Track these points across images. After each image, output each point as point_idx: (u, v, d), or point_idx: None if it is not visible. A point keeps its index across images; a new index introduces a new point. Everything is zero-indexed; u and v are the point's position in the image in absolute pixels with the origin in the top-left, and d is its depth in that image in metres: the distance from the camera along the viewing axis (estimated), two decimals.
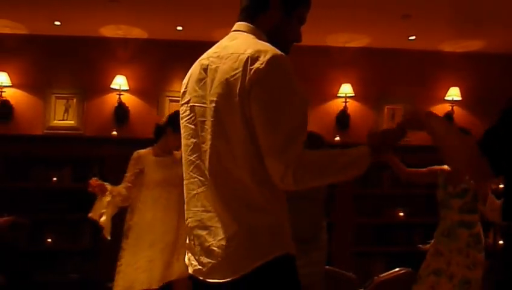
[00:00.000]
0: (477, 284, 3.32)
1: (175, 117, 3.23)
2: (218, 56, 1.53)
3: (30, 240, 5.14)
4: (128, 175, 3.40)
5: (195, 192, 1.58)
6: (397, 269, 3.97)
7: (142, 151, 3.46)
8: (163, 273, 3.27)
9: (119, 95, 5.45)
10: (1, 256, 4.21)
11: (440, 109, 5.66)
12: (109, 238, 3.32)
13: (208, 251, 1.53)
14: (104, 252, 4.53)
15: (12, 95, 5.47)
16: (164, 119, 3.54)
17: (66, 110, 5.47)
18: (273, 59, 1.41)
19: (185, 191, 1.64)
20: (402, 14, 4.83)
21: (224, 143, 1.48)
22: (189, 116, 1.60)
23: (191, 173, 1.60)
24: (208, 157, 1.52)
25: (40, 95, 5.50)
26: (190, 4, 4.75)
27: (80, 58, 5.56)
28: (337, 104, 5.70)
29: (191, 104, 1.59)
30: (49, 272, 4.99)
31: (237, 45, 1.50)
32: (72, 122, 5.46)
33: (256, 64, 1.40)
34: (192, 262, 1.60)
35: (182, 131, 1.64)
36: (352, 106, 5.70)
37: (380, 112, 5.72)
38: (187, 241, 1.65)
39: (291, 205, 3.05)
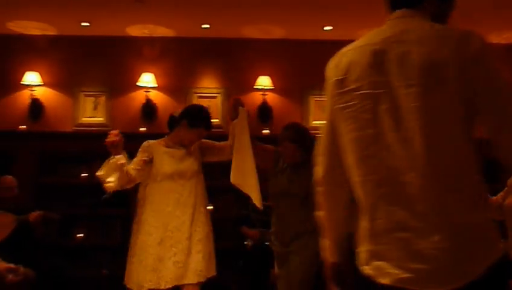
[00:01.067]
0: None
1: (193, 111, 3.19)
2: (399, 40, 1.45)
3: (61, 235, 5.22)
4: (136, 160, 3.10)
5: (383, 190, 1.43)
6: None
7: (152, 141, 3.21)
8: (174, 274, 2.98)
9: (147, 92, 5.53)
10: (32, 251, 4.24)
11: None
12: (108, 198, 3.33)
13: (418, 255, 1.35)
14: None
15: (43, 93, 5.61)
16: (178, 110, 3.34)
17: (95, 108, 5.59)
18: (482, 38, 1.40)
19: (362, 190, 1.49)
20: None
21: (435, 129, 1.37)
22: (360, 105, 1.47)
23: (368, 169, 1.46)
24: (409, 146, 1.38)
25: (70, 93, 5.64)
26: (215, 2, 4.79)
27: (108, 57, 5.67)
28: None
29: (364, 91, 1.46)
30: (79, 267, 5.04)
31: (428, 28, 1.46)
32: (101, 119, 5.57)
33: (472, 44, 1.38)
34: (390, 271, 1.39)
35: (347, 123, 1.49)
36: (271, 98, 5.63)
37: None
38: (375, 246, 1.45)
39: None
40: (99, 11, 5.07)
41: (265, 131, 5.44)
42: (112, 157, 2.96)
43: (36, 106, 5.54)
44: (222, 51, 5.70)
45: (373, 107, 1.44)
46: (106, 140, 2.95)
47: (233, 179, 3.03)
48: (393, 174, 1.41)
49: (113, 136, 2.96)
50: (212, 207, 3.92)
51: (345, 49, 1.58)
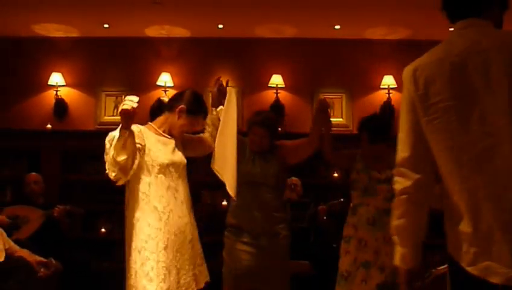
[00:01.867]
0: None
1: (193, 97, 2.73)
2: (477, 50, 1.53)
3: (85, 229, 5.42)
4: None
5: (487, 193, 1.49)
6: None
7: (141, 126, 2.66)
8: (188, 282, 2.61)
9: (165, 91, 5.69)
10: (58, 244, 4.36)
11: None
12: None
13: None
14: None
15: (67, 93, 5.84)
16: (165, 97, 2.98)
17: (116, 107, 5.74)
18: None
19: (462, 195, 1.54)
20: None
21: None
22: (447, 116, 1.54)
23: (469, 174, 1.52)
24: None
25: (92, 93, 5.84)
26: (231, 2, 4.90)
27: (127, 58, 5.86)
28: (381, 96, 5.73)
29: (449, 103, 1.54)
30: (103, 261, 5.18)
31: (502, 35, 1.55)
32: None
33: None
34: (500, 270, 1.46)
35: (436, 134, 1.57)
36: (396, 97, 5.64)
37: None
38: (481, 247, 1.50)
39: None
40: (119, 13, 5.23)
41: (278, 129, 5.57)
42: (123, 133, 2.40)
43: (60, 105, 5.77)
44: (236, 50, 5.82)
45: (461, 117, 1.51)
46: (123, 107, 2.37)
47: (215, 164, 2.77)
48: (497, 177, 1.47)
49: (134, 102, 2.37)
50: None
51: (419, 63, 1.64)
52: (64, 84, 5.79)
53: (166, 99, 2.94)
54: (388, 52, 5.77)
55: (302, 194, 4.99)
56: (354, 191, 3.28)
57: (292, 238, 3.32)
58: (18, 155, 5.64)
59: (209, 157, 2.83)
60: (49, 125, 5.68)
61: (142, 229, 2.52)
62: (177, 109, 2.69)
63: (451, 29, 1.67)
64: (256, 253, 3.05)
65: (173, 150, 2.70)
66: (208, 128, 2.91)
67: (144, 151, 2.56)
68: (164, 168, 2.60)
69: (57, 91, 5.77)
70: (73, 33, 5.78)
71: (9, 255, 3.65)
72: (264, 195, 3.07)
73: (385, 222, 3.07)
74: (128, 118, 2.39)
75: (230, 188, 2.74)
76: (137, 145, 2.50)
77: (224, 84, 3.00)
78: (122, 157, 2.40)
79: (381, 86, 5.69)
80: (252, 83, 5.76)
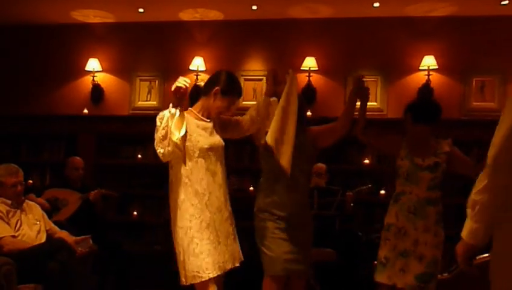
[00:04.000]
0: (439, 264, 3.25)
1: (226, 77, 2.89)
2: None
3: (118, 212, 5.73)
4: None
5: None
6: (485, 255, 3.66)
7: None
8: (230, 255, 2.88)
9: (197, 75, 5.89)
10: (93, 226, 4.57)
11: None
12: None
13: None
14: None
15: (103, 79, 6.15)
16: (201, 82, 3.10)
17: (149, 92, 6.04)
18: None
19: None
20: None
21: None
22: None
23: None
24: None
25: (126, 78, 6.13)
26: None
27: (161, 43, 6.09)
28: (419, 78, 5.70)
29: None
30: (135, 243, 5.51)
31: None
32: (154, 102, 6.02)
33: None
34: None
35: None
36: (436, 79, 5.65)
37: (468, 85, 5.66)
38: None
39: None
40: None
41: (308, 113, 5.67)
42: (178, 111, 2.67)
43: (97, 91, 6.08)
44: (269, 32, 5.91)
45: None
46: (177, 84, 2.67)
47: (271, 140, 2.85)
48: None
49: (187, 82, 2.71)
50: None
51: None
52: (101, 69, 6.09)
53: (202, 84, 3.03)
54: (430, 31, 5.70)
55: (330, 180, 5.09)
56: (397, 179, 3.35)
57: (318, 226, 3.45)
58: (56, 139, 5.98)
59: (239, 143, 3.16)
60: (85, 110, 5.99)
61: (187, 209, 2.79)
62: (212, 92, 2.87)
63: (505, 2, 1.86)
64: (293, 237, 3.16)
65: (212, 133, 2.90)
66: (252, 112, 3.04)
67: (186, 136, 2.76)
68: (204, 152, 2.82)
69: (93, 77, 6.08)
70: (110, 18, 6.04)
71: (50, 236, 3.95)
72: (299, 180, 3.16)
73: (427, 211, 3.23)
74: (181, 96, 2.68)
75: (286, 164, 2.86)
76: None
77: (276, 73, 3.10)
78: (176, 136, 2.65)
79: (420, 68, 5.63)
80: (283, 67, 5.74)
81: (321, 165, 5.00)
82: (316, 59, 5.76)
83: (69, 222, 4.54)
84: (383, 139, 3.47)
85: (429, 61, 5.58)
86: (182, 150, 2.74)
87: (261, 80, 5.80)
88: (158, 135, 2.69)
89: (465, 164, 3.28)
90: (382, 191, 5.38)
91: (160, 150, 2.70)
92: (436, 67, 5.60)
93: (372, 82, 5.65)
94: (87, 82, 6.17)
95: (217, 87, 2.88)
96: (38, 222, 3.96)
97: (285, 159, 2.86)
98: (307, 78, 5.81)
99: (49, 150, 6.01)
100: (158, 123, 2.70)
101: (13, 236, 3.70)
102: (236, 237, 2.99)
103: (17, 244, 3.67)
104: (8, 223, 3.75)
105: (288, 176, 2.93)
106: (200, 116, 2.92)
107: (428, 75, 5.63)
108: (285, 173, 2.89)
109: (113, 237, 5.07)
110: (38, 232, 3.91)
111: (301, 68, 5.75)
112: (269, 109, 3.01)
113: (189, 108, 2.96)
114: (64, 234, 4.00)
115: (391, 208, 3.35)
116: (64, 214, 4.66)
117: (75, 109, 6.06)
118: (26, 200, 4.02)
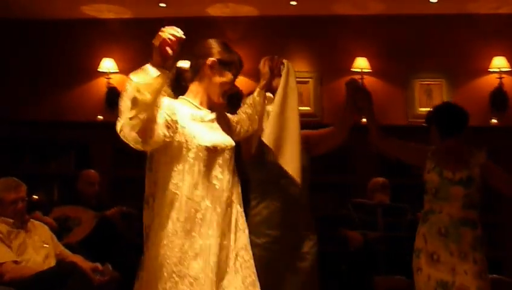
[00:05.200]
0: None
1: (222, 46, 2.37)
2: None
3: (139, 232, 5.36)
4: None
5: None
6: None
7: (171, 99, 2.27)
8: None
9: None
10: (115, 248, 4.43)
11: None
12: None
13: None
14: None
15: (119, 81, 5.86)
16: (183, 62, 2.45)
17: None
18: None
19: None
20: None
21: None
22: None
23: None
24: None
25: None
26: None
27: (186, 41, 5.68)
28: (490, 81, 5.56)
29: None
30: None
31: None
32: None
33: None
34: None
35: None
36: (509, 82, 5.52)
37: None
38: None
39: None
40: None
41: (364, 120, 5.44)
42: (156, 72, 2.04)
43: (112, 94, 5.79)
44: (312, 30, 5.76)
45: None
46: (162, 35, 2.11)
47: (268, 139, 2.54)
48: None
49: (178, 33, 2.14)
50: None
51: None
52: (117, 70, 5.86)
53: (184, 65, 2.45)
54: (498, 29, 5.56)
55: (391, 197, 4.78)
56: (425, 195, 3.15)
57: (388, 249, 3.37)
58: (66, 149, 5.76)
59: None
60: (100, 117, 5.79)
61: (167, 231, 2.16)
62: (207, 67, 2.30)
63: None
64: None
65: (215, 128, 2.33)
66: (247, 110, 2.62)
67: (176, 129, 2.15)
68: (202, 153, 2.20)
69: (108, 78, 5.85)
70: (126, 14, 5.87)
71: (60, 262, 3.71)
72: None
73: (461, 233, 2.97)
74: (165, 52, 2.07)
75: (293, 168, 2.52)
76: (167, 118, 2.11)
77: (275, 63, 2.73)
78: (148, 97, 1.98)
79: (490, 70, 5.51)
80: (331, 68, 5.72)
81: (384, 179, 4.69)
82: (368, 60, 5.62)
83: (82, 244, 4.34)
84: (405, 148, 3.27)
85: (500, 63, 5.46)
86: (147, 132, 2.05)
87: (306, 82, 5.69)
88: (124, 102, 2.03)
89: (501, 178, 3.08)
90: None
91: (125, 123, 2.04)
92: (509, 69, 5.47)
93: (436, 85, 5.60)
94: (101, 84, 5.94)
95: (211, 59, 2.32)
96: (46, 245, 3.76)
97: (290, 161, 2.54)
98: (360, 80, 5.63)
99: (57, 161, 5.79)
100: (127, 86, 2.04)
101: (15, 262, 3.49)
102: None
103: (20, 271, 3.45)
104: (9, 247, 3.53)
105: (300, 183, 2.59)
106: (197, 104, 2.31)
107: (501, 78, 5.51)
108: (294, 180, 2.56)
109: (137, 262, 4.65)
110: (47, 257, 3.70)
111: (352, 69, 5.60)
112: (265, 106, 2.67)
113: (181, 96, 2.34)
114: (78, 259, 3.78)
115: (420, 230, 3.13)
116: (76, 235, 4.46)
117: (87, 115, 5.85)
118: (32, 220, 3.82)
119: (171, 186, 2.17)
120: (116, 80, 5.85)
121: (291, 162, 2.53)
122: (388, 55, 5.68)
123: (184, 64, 2.41)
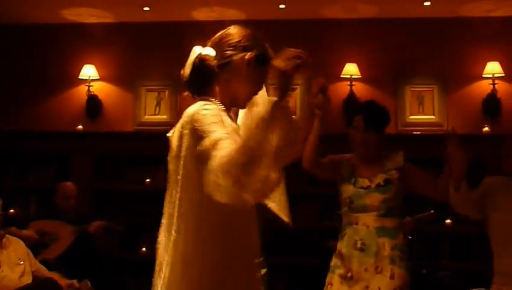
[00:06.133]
0: None
1: (252, 37, 2.08)
2: None
3: (123, 248, 5.43)
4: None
5: None
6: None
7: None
8: None
9: None
10: (93, 265, 4.42)
11: None
12: None
13: None
14: None
15: (101, 89, 5.85)
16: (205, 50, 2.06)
17: (158, 104, 5.76)
18: None
19: None
20: None
21: None
22: None
23: None
24: None
25: (130, 88, 5.85)
26: None
27: (172, 46, 5.66)
28: (483, 87, 5.53)
29: None
30: (144, 284, 5.14)
31: None
32: (165, 116, 5.73)
33: None
34: None
35: None
36: (503, 88, 5.49)
37: None
38: None
39: None
40: None
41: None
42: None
43: (93, 103, 5.79)
44: (301, 34, 5.69)
45: None
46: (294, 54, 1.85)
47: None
48: None
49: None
50: None
51: None
52: (98, 78, 5.82)
53: (209, 52, 2.04)
54: (492, 33, 5.54)
55: None
56: (342, 208, 3.06)
57: None
58: (44, 161, 5.72)
59: None
60: (80, 126, 5.73)
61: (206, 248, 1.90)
62: (242, 63, 1.95)
63: None
64: None
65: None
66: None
67: None
68: None
69: (89, 86, 5.80)
70: (108, 18, 5.83)
71: (36, 279, 3.79)
72: None
73: (379, 245, 2.86)
74: (290, 76, 1.80)
75: (284, 215, 2.19)
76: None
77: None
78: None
79: (484, 75, 5.47)
80: (319, 74, 5.54)
81: None
82: (358, 65, 5.59)
83: (59, 260, 4.40)
84: (320, 162, 3.08)
85: (494, 68, 5.42)
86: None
87: (293, 89, 5.63)
88: (237, 155, 1.66)
89: (422, 179, 3.03)
90: (448, 221, 5.10)
91: (231, 191, 1.67)
92: (503, 74, 5.42)
93: (428, 92, 5.56)
94: (81, 92, 5.88)
95: (249, 54, 1.98)
96: (22, 262, 3.85)
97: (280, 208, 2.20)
98: (349, 87, 5.62)
99: (36, 173, 5.71)
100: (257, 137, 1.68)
101: None
102: None
103: None
104: None
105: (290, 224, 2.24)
106: (223, 108, 1.97)
107: (494, 84, 5.45)
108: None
109: (117, 278, 4.82)
110: (22, 274, 3.80)
111: (341, 76, 5.58)
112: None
113: (207, 97, 1.97)
114: (54, 276, 3.91)
115: (337, 248, 3.03)
116: (54, 251, 4.48)
117: (67, 125, 5.78)
118: (7, 235, 3.92)
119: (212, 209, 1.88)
120: (97, 87, 5.82)
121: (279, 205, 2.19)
122: (378, 60, 5.65)
123: (209, 51, 2.03)
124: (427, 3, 5.28)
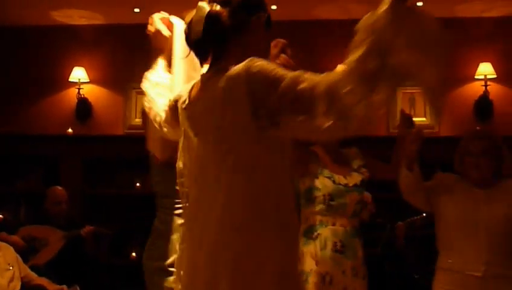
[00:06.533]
0: None
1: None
2: None
3: (113, 253, 5.45)
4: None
5: None
6: None
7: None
8: None
9: None
10: (82, 270, 4.43)
11: None
12: None
13: None
14: None
15: (91, 92, 5.87)
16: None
17: None
18: None
19: None
20: None
21: None
22: None
23: None
24: None
25: (120, 91, 5.86)
26: None
27: None
28: (475, 88, 5.57)
29: None
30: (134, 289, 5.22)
31: None
32: None
33: None
34: None
35: None
36: (495, 90, 5.53)
37: None
38: None
39: None
40: None
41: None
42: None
43: (83, 106, 5.81)
44: (292, 35, 5.49)
45: None
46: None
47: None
48: None
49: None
50: None
51: None
52: (88, 80, 5.84)
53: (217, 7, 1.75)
54: (485, 34, 5.57)
55: (375, 213, 4.67)
56: (310, 206, 2.86)
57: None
58: (33, 165, 5.71)
59: None
60: (70, 130, 5.74)
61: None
62: (260, 22, 1.80)
63: None
64: None
65: None
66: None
67: None
68: None
69: (79, 89, 5.81)
70: (99, 20, 5.84)
71: (25, 285, 3.78)
72: None
73: (355, 246, 2.82)
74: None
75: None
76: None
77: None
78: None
79: (476, 77, 5.51)
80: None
81: (366, 195, 4.59)
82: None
83: (49, 266, 4.39)
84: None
85: (486, 69, 5.45)
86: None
87: None
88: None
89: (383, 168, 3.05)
90: None
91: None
92: (495, 76, 5.47)
93: (420, 94, 5.46)
94: (71, 95, 5.90)
95: (264, 14, 1.81)
96: (11, 267, 3.81)
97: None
98: None
99: (24, 178, 5.71)
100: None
101: None
102: None
103: None
104: None
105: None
106: None
107: (486, 85, 5.50)
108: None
109: (107, 284, 4.86)
110: (11, 280, 3.76)
111: None
112: None
113: (212, 61, 1.79)
114: (44, 282, 3.90)
115: (305, 250, 2.82)
116: (43, 257, 4.47)
117: (56, 128, 5.78)
118: None
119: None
120: (87, 90, 5.83)
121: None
122: None
123: (220, 8, 1.74)
124: (419, 4, 5.19)
